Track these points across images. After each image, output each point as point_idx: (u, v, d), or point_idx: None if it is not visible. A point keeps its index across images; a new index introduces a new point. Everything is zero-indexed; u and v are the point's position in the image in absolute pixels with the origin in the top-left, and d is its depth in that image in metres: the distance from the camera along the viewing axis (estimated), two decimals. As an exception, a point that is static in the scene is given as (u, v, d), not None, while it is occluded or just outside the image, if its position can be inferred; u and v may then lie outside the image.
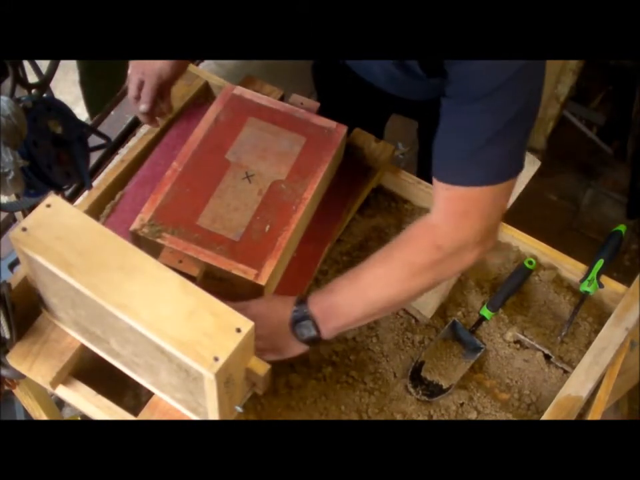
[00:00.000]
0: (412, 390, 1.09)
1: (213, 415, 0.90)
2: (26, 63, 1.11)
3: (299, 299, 0.98)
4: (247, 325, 0.82)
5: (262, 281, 0.99)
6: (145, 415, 0.98)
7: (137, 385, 1.03)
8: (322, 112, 1.20)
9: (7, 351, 0.99)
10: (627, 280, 1.18)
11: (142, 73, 1.09)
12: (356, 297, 0.96)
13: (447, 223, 0.94)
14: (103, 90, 1.37)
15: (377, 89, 1.21)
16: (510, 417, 1.07)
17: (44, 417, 1.23)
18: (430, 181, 1.20)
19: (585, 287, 1.16)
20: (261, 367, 0.88)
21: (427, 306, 1.14)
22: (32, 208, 0.97)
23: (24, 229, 0.86)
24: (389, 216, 1.24)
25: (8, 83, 1.06)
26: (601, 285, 1.16)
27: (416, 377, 1.10)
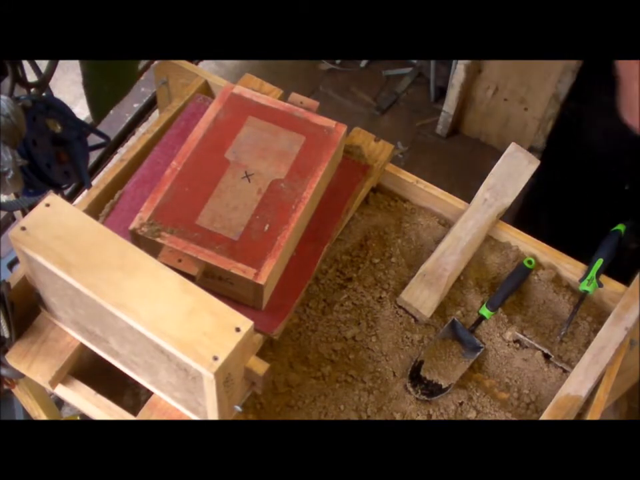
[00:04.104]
0: (411, 389, 1.09)
1: (212, 414, 0.90)
2: (25, 62, 1.11)
3: None
4: (246, 324, 0.82)
5: (261, 280, 0.99)
6: (144, 414, 0.98)
7: (136, 384, 1.03)
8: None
9: (6, 350, 0.99)
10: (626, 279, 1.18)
11: None
12: None
13: None
14: (106, 93, 1.35)
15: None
16: (509, 416, 1.07)
17: (43, 417, 1.23)
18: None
19: (584, 287, 1.16)
20: (260, 366, 0.88)
21: (426, 305, 1.14)
22: (31, 207, 0.97)
23: (23, 228, 0.86)
24: (388, 215, 1.24)
25: (7, 82, 1.06)
26: (600, 285, 1.16)
27: (415, 376, 1.10)
